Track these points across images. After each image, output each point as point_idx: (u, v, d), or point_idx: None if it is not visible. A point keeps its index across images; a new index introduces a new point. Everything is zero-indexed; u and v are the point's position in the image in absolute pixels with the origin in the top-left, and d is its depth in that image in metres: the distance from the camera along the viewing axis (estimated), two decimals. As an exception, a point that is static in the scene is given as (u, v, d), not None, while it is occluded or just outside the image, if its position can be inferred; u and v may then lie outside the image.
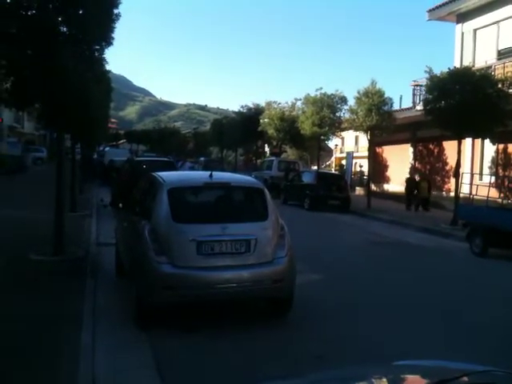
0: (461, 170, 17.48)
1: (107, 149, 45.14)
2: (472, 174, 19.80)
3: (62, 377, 4.58)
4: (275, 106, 32.59)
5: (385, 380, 2.16)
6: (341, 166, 38.22)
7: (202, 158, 42.15)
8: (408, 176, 25.03)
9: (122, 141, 74.25)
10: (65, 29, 8.53)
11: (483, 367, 2.09)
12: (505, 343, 6.09)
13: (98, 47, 8.86)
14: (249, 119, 35.45)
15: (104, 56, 9.30)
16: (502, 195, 19.06)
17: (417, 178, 24.23)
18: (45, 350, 5.13)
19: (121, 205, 8.85)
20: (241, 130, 36.11)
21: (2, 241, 10.21)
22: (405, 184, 24.01)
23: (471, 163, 22.18)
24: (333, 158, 43.97)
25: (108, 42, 8.79)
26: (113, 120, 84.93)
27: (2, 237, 10.59)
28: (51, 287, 7.44)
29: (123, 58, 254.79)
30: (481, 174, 21.03)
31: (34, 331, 5.60)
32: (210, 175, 6.58)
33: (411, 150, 28.33)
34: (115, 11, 8.64)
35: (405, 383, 2.14)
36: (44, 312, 6.26)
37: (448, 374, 1.92)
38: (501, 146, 21.42)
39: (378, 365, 3.10)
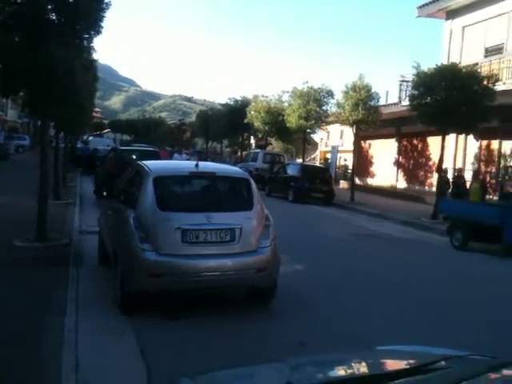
0: (443, 166, 17.66)
1: (91, 138, 44.80)
2: (454, 170, 20.00)
3: (46, 361, 4.59)
4: (262, 99, 32.56)
5: (364, 364, 2.20)
6: (325, 159, 38.35)
7: (196, 149, 42.12)
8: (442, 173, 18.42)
9: (106, 130, 73.67)
10: (54, 17, 8.46)
11: (462, 352, 2.14)
12: (480, 327, 6.24)
13: (86, 36, 8.81)
14: (235, 111, 35.40)
15: (92, 45, 9.26)
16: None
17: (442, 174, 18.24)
18: (28, 337, 5.12)
19: (105, 193, 8.83)
20: (227, 122, 36.06)
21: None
22: (438, 183, 18.15)
23: (454, 159, 22.41)
24: (318, 152, 44.07)
25: (97, 30, 8.74)
26: (97, 109, 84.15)
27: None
28: (34, 273, 7.40)
29: (109, 47, 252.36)
30: (463, 169, 21.26)
31: (17, 318, 5.59)
32: (196, 165, 6.60)
33: (396, 144, 28.55)
34: (105, 0, 8.59)
35: (384, 367, 2.16)
36: (27, 298, 6.25)
37: (427, 359, 1.96)
38: (484, 143, 21.67)
39: (360, 350, 3.16)
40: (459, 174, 18.65)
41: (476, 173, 17.80)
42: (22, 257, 8.31)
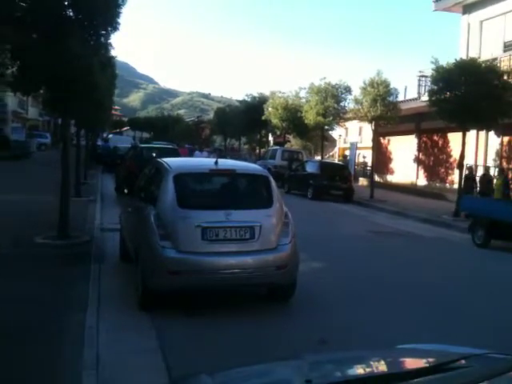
0: (465, 162, 17.47)
1: (111, 136, 45.15)
2: (476, 166, 19.76)
3: (67, 357, 4.66)
4: (279, 96, 32.48)
5: (383, 363, 2.19)
6: (344, 156, 38.12)
7: (216, 147, 42.00)
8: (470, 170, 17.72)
9: (125, 128, 74.20)
10: (71, 13, 8.53)
11: (481, 350, 2.13)
12: (499, 328, 6.17)
13: (104, 32, 8.86)
14: (253, 108, 35.35)
15: (110, 41, 9.32)
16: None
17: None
18: (49, 333, 5.20)
19: (126, 190, 8.91)
20: (244, 119, 36.01)
21: (9, 224, 10.29)
22: (461, 180, 17.47)
23: (475, 155, 22.13)
24: (336, 149, 43.82)
25: (114, 27, 8.79)
26: (116, 107, 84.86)
27: (9, 220, 10.67)
28: (55, 270, 7.52)
29: (127, 44, 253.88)
30: (485, 166, 20.99)
31: (39, 314, 5.68)
32: (216, 162, 6.63)
33: (415, 141, 28.28)
34: (122, -4, 8.64)
35: (403, 366, 2.15)
36: (48, 295, 6.34)
37: (447, 358, 1.95)
38: (505, 139, 21.37)
39: (380, 349, 3.15)
40: (486, 173, 18.21)
41: (500, 170, 17.50)
42: (44, 254, 8.43)
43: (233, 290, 6.85)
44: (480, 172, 19.73)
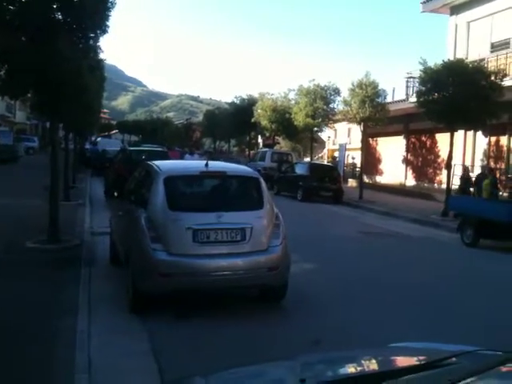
0: (452, 162, 17.61)
1: (99, 139, 44.97)
2: (464, 166, 19.92)
3: (59, 361, 4.64)
4: (268, 97, 32.54)
5: (374, 361, 2.22)
6: (333, 157, 38.25)
7: (207, 150, 41.84)
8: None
9: (114, 131, 73.91)
10: (60, 16, 8.50)
11: (471, 347, 2.16)
12: (489, 328, 6.22)
13: (93, 35, 8.84)
14: (242, 110, 35.39)
15: (99, 44, 9.29)
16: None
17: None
18: (41, 337, 5.18)
19: (115, 194, 8.89)
20: (234, 121, 36.05)
21: (-1, 228, 10.22)
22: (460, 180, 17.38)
23: (463, 155, 22.31)
24: (325, 150, 43.95)
25: (103, 30, 8.76)
26: (105, 110, 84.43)
27: (-1, 225, 10.60)
28: (46, 275, 7.48)
29: (115, 47, 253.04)
30: (472, 166, 21.17)
31: (30, 318, 5.65)
32: (206, 164, 6.64)
33: (404, 141, 28.45)
34: (110, -1, 8.61)
35: (394, 364, 2.18)
36: (39, 299, 6.32)
37: (438, 355, 1.98)
38: (493, 139, 21.56)
39: (372, 348, 3.18)
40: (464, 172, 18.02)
41: (489, 170, 17.34)
42: (34, 258, 8.38)
43: (224, 291, 6.86)
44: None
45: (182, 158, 25.91)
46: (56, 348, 4.93)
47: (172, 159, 17.65)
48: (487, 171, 16.98)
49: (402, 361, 2.20)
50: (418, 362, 2.03)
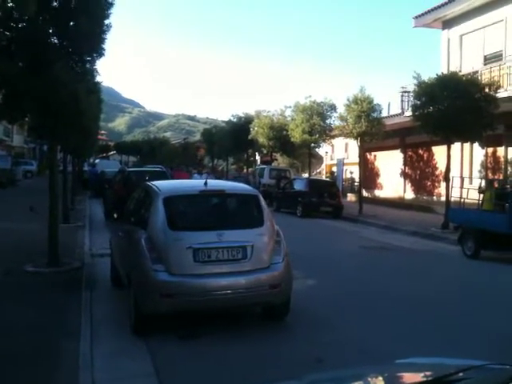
0: (450, 175, 17.64)
1: (98, 160, 45.02)
2: (462, 178, 19.95)
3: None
4: (265, 115, 32.66)
5: (381, 379, 2.20)
6: (332, 172, 38.31)
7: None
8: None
9: (111, 152, 74.05)
10: (56, 40, 8.56)
11: (480, 362, 2.14)
12: (492, 339, 6.18)
13: (89, 58, 8.90)
14: (239, 128, 35.46)
15: (95, 67, 9.36)
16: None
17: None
18: (44, 360, 5.14)
19: (115, 215, 8.88)
20: (231, 139, 36.12)
21: (-1, 253, 10.18)
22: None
23: (460, 167, 22.35)
24: (323, 165, 44.05)
25: (99, 53, 8.83)
26: (103, 132, 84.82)
27: (-1, 249, 10.56)
28: (48, 298, 7.44)
29: (112, 69, 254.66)
30: (470, 177, 21.20)
31: (33, 342, 5.61)
32: (205, 183, 6.65)
33: (401, 155, 28.52)
34: (106, 22, 8.67)
35: (401, 381, 2.17)
36: (41, 323, 6.27)
37: (445, 371, 1.95)
38: (490, 150, 21.63)
39: (378, 364, 3.15)
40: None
41: (489, 182, 16.62)
42: (35, 281, 8.34)
43: (227, 310, 6.82)
44: (466, 184, 19.87)
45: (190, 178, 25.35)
46: (58, 371, 4.89)
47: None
48: (487, 183, 16.82)
49: (409, 377, 2.18)
50: (425, 379, 2.01)
